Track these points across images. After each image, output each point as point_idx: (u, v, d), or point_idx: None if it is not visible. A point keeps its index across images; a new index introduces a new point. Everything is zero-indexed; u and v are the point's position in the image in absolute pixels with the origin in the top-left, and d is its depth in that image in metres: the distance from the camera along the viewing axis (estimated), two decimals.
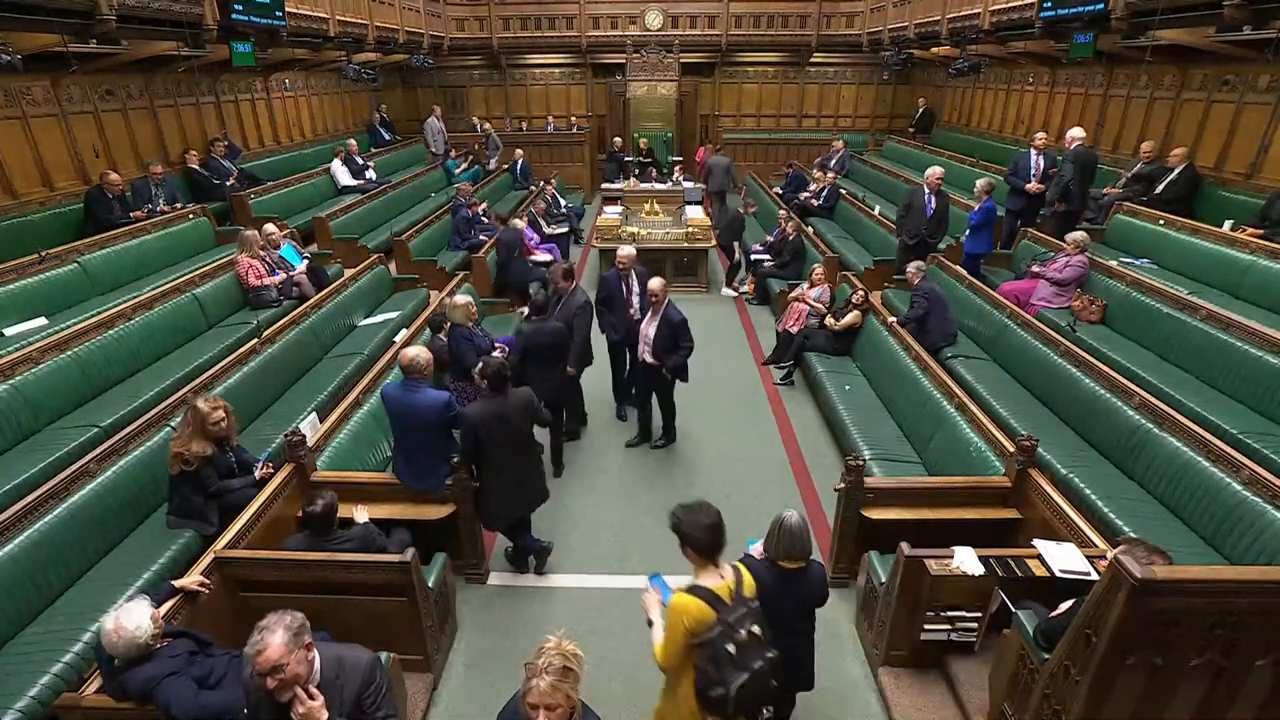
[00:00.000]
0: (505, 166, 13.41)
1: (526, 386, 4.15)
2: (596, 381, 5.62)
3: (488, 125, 13.84)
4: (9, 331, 5.21)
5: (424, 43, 12.95)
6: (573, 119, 15.64)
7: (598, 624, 3.91)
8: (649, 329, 5.07)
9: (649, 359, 5.16)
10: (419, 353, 3.94)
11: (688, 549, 2.41)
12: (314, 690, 2.24)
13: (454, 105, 15.59)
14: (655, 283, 5.02)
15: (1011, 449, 3.83)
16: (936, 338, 6.00)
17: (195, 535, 3.79)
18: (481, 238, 9.15)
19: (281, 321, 5.81)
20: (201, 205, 7.99)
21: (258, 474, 3.98)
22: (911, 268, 6.26)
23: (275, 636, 2.14)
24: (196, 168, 8.57)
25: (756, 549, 2.85)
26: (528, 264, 8.24)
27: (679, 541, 2.42)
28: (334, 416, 4.45)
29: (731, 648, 2.24)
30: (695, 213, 10.10)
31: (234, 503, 3.77)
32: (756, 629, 2.29)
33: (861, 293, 6.48)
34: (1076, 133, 7.30)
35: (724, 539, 2.39)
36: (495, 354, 4.68)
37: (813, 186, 11.67)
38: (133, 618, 2.51)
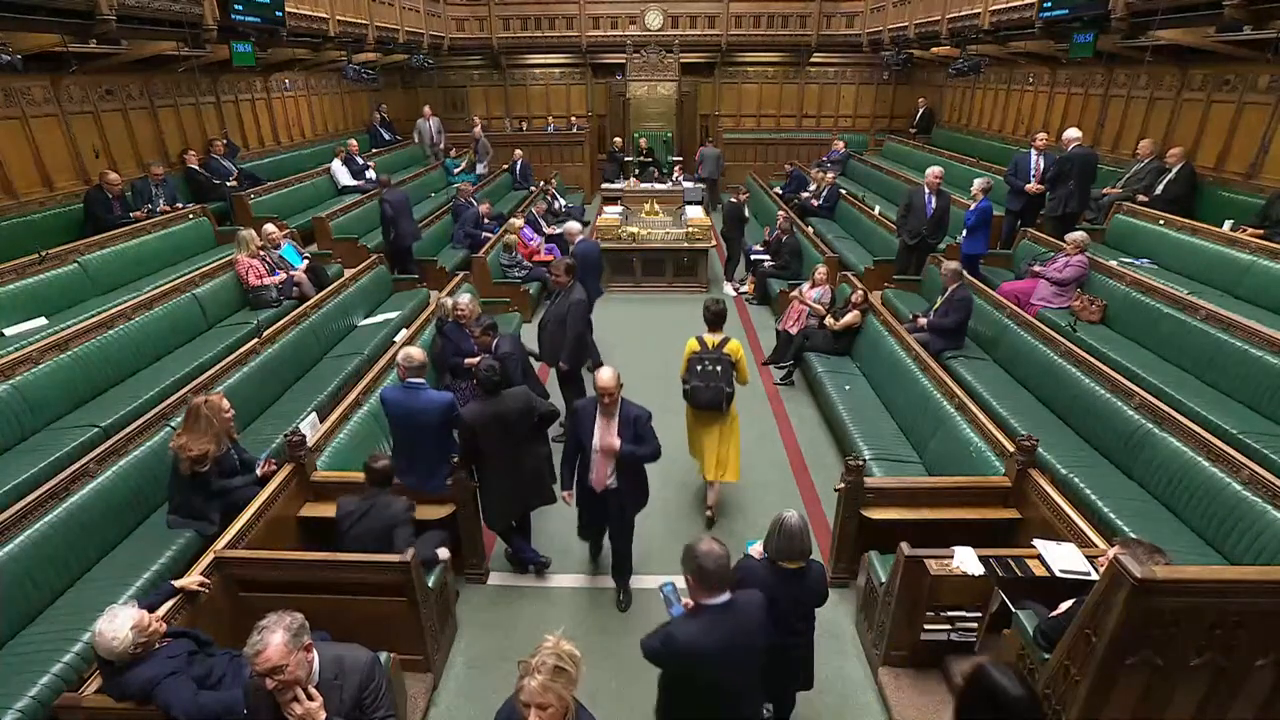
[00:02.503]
0: (505, 167, 13.38)
1: (524, 386, 4.15)
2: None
3: (477, 128, 13.61)
4: (9, 331, 5.21)
5: (424, 43, 12.94)
6: (573, 119, 15.62)
7: (598, 624, 3.92)
8: (606, 439, 3.62)
9: (610, 483, 3.71)
10: (412, 353, 3.95)
11: (707, 322, 4.46)
12: (312, 691, 2.24)
13: (454, 105, 15.57)
14: (605, 375, 3.57)
15: (1011, 449, 3.84)
16: (948, 344, 5.95)
17: (195, 535, 3.80)
18: (484, 236, 9.20)
19: (281, 321, 5.82)
20: (201, 205, 7.97)
21: (259, 471, 3.99)
22: (948, 271, 5.98)
23: (275, 637, 2.14)
24: (196, 168, 8.56)
25: (756, 549, 2.84)
26: (415, 223, 8.34)
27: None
28: (334, 416, 4.45)
29: (699, 366, 4.33)
30: (695, 213, 10.08)
31: (235, 502, 3.78)
32: (711, 366, 4.30)
33: (861, 292, 6.47)
34: (1073, 133, 7.31)
35: (721, 320, 4.45)
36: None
37: (813, 186, 11.66)
38: (114, 625, 2.51)
